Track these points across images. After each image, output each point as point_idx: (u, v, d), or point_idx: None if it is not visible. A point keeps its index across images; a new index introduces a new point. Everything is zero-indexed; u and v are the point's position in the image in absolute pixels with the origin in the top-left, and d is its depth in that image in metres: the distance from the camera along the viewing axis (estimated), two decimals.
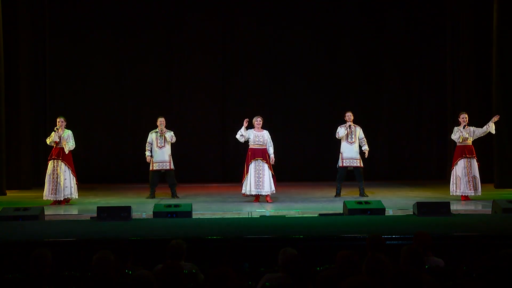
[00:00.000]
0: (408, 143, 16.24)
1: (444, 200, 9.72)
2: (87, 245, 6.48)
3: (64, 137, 10.92)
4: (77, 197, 11.10)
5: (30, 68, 14.36)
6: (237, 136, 11.18)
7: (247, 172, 10.99)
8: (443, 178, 14.16)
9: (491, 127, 10.91)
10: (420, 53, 16.11)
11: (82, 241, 6.70)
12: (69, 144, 10.90)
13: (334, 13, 16.05)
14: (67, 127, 11.10)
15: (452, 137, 11.11)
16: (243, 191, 11.05)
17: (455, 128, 11.03)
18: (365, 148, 11.67)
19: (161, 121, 11.86)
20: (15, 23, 13.71)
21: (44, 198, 10.86)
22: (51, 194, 10.81)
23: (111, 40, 15.83)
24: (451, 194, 10.97)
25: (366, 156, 11.72)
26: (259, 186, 10.92)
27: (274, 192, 11.11)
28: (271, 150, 11.13)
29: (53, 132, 10.97)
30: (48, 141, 11.02)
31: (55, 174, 10.84)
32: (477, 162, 10.96)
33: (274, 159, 11.14)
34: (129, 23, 15.75)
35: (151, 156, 11.78)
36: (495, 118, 10.95)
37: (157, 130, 11.85)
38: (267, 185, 10.93)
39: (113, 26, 15.74)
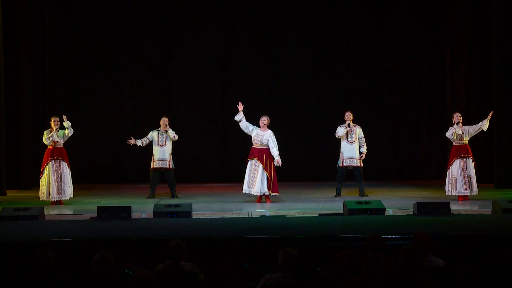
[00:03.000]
0: (408, 143, 16.23)
1: (444, 200, 9.72)
2: (87, 245, 6.47)
3: (61, 136, 10.95)
4: (72, 196, 11.12)
5: (30, 68, 14.33)
6: (235, 118, 11.08)
7: (246, 170, 11.03)
8: (443, 178, 14.16)
9: (484, 125, 10.89)
10: (420, 54, 16.10)
11: (82, 241, 6.70)
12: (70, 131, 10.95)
13: (334, 14, 16.04)
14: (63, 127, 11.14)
15: (446, 135, 11.12)
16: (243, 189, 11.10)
17: (450, 127, 11.04)
18: (363, 150, 11.61)
19: (164, 120, 11.90)
20: (15, 24, 13.68)
21: (51, 199, 10.78)
22: (58, 194, 10.79)
23: (111, 41, 15.82)
24: (446, 194, 10.96)
25: (362, 158, 11.67)
26: (251, 185, 10.90)
27: (269, 194, 10.87)
28: (274, 152, 10.81)
29: (46, 132, 10.90)
30: (47, 141, 10.94)
31: (59, 173, 10.82)
32: (473, 161, 10.94)
33: (280, 162, 10.77)
34: (129, 25, 15.74)
35: (139, 145, 11.84)
36: (490, 116, 10.94)
37: (159, 129, 11.87)
38: (258, 186, 10.83)
39: (113, 29, 15.73)
